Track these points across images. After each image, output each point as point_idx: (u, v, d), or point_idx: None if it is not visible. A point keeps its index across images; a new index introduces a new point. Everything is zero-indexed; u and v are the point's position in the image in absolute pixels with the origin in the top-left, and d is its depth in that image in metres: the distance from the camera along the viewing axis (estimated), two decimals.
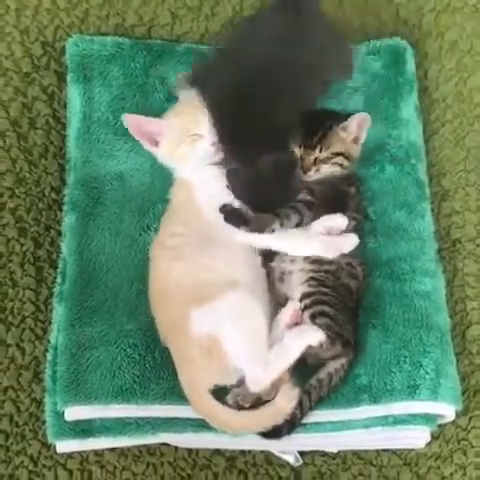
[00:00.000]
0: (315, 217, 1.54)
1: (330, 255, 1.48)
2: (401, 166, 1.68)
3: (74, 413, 1.46)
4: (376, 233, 1.64)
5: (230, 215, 1.49)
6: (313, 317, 1.47)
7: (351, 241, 1.50)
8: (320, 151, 1.61)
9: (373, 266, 1.60)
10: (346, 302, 1.52)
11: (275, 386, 1.42)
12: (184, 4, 1.77)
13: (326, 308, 1.48)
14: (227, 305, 1.41)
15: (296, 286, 1.52)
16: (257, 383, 1.41)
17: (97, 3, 1.75)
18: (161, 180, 1.63)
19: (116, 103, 1.69)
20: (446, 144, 1.81)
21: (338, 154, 1.61)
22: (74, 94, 1.69)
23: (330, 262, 1.52)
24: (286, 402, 1.41)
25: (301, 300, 1.50)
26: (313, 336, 1.44)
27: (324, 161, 1.61)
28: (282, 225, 1.50)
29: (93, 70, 1.70)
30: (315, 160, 1.61)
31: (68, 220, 1.62)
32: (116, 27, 1.78)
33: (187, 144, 1.54)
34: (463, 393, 1.55)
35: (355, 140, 1.63)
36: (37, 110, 1.71)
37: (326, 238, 1.49)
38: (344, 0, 1.78)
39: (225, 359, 1.40)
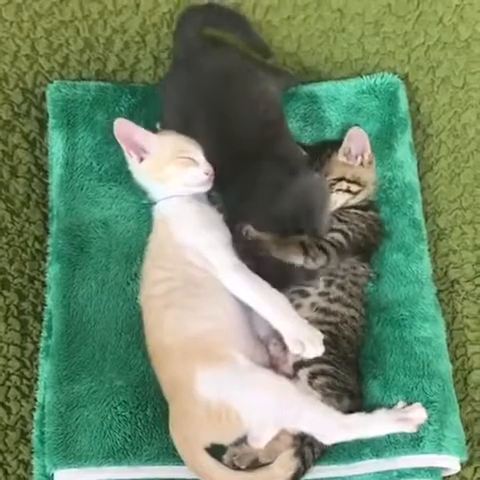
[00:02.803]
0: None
1: (290, 348, 1.41)
2: (397, 207, 1.68)
3: (64, 476, 1.45)
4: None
5: (248, 243, 1.48)
6: (313, 376, 1.45)
7: (317, 351, 1.41)
8: None
9: (371, 312, 1.59)
10: (347, 354, 1.50)
11: (275, 450, 1.40)
12: (166, 47, 1.76)
13: (326, 366, 1.46)
14: (238, 372, 1.38)
15: None
16: (327, 438, 1.38)
17: (78, 48, 1.74)
18: (148, 226, 1.60)
19: (100, 148, 1.69)
20: (441, 181, 1.81)
21: (339, 179, 1.63)
22: (56, 140, 1.69)
23: (336, 313, 1.52)
24: (283, 471, 1.39)
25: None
26: (411, 427, 1.42)
27: None
28: (306, 264, 1.50)
29: (76, 115, 1.70)
30: None
31: (52, 271, 1.61)
32: (97, 72, 1.78)
33: (177, 165, 1.51)
34: (467, 442, 1.52)
35: (363, 162, 1.65)
36: (18, 158, 1.70)
37: (301, 334, 1.41)
38: (328, 33, 1.78)
39: (237, 425, 1.36)
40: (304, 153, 1.71)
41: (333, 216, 1.61)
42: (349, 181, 1.64)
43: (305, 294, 1.53)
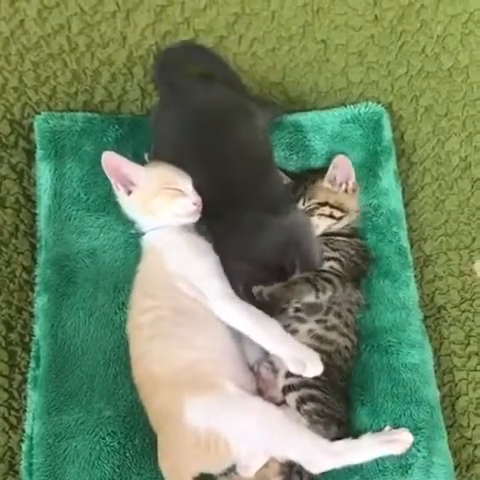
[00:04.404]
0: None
1: (291, 368, 1.42)
2: (383, 235, 1.70)
3: None
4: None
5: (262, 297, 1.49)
6: (301, 402, 1.45)
7: (317, 370, 1.43)
8: (303, 203, 1.66)
9: (359, 339, 1.59)
10: (336, 381, 1.50)
11: (264, 477, 1.40)
12: (153, 78, 1.75)
13: (314, 392, 1.45)
14: (227, 400, 1.38)
15: None
16: (315, 466, 1.38)
17: (65, 80, 1.74)
18: (136, 255, 1.60)
19: (88, 179, 1.69)
20: (426, 208, 1.84)
21: (322, 204, 1.65)
22: (44, 171, 1.69)
23: (331, 342, 1.52)
24: None
25: (287, 377, 1.47)
26: (398, 448, 1.44)
27: (309, 213, 1.65)
28: (317, 298, 1.51)
29: (64, 146, 1.70)
30: None
31: (40, 301, 1.60)
32: (85, 103, 1.78)
33: (164, 196, 1.51)
34: (455, 468, 1.53)
35: (347, 190, 1.67)
36: (6, 189, 1.70)
37: (300, 354, 1.43)
38: (312, 63, 1.79)
39: (226, 454, 1.35)
40: (289, 179, 1.73)
41: (324, 244, 1.62)
42: (332, 206, 1.66)
43: (302, 320, 1.53)
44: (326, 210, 1.65)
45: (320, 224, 1.65)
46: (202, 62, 1.72)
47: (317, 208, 1.65)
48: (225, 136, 1.60)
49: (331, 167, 1.67)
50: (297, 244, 1.56)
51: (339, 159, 1.67)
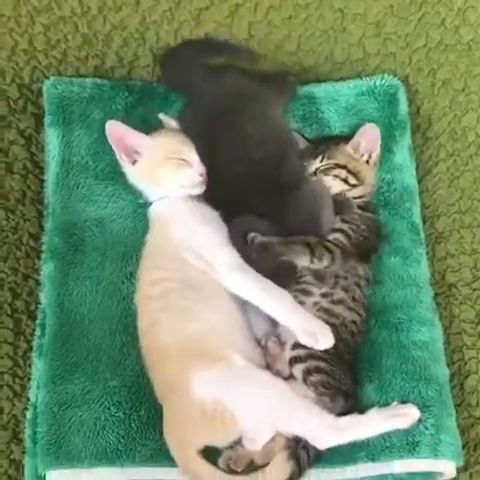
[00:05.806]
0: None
1: (302, 340, 1.43)
2: (395, 210, 1.69)
3: (56, 477, 1.45)
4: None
5: (256, 247, 1.49)
6: (308, 373, 1.45)
7: (328, 343, 1.43)
8: (321, 161, 1.66)
9: (368, 314, 1.59)
10: (343, 354, 1.50)
11: (271, 451, 1.41)
12: (166, 44, 1.76)
13: (321, 364, 1.46)
14: (235, 372, 1.39)
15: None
16: (320, 442, 1.38)
17: (76, 44, 1.73)
18: (144, 225, 1.61)
19: (96, 146, 1.69)
20: (440, 184, 1.83)
21: (340, 166, 1.65)
22: (52, 138, 1.68)
23: (338, 315, 1.52)
24: (278, 473, 1.40)
25: (293, 348, 1.48)
26: (404, 421, 1.44)
27: (324, 172, 1.65)
28: (312, 263, 1.51)
29: (72, 113, 1.70)
30: (316, 171, 1.65)
31: (47, 269, 1.61)
32: (95, 68, 1.77)
33: (170, 166, 1.52)
34: (463, 447, 1.53)
35: (369, 161, 1.67)
36: (14, 154, 1.70)
37: (312, 326, 1.43)
38: (328, 33, 1.78)
39: (232, 426, 1.36)
40: (306, 143, 1.75)
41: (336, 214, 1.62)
42: (349, 171, 1.65)
43: (308, 293, 1.54)
44: (342, 173, 1.65)
45: (333, 186, 1.64)
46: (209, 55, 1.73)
47: (334, 168, 1.65)
48: (237, 129, 1.60)
49: (358, 134, 1.67)
50: (315, 214, 1.56)
51: (368, 127, 1.66)
